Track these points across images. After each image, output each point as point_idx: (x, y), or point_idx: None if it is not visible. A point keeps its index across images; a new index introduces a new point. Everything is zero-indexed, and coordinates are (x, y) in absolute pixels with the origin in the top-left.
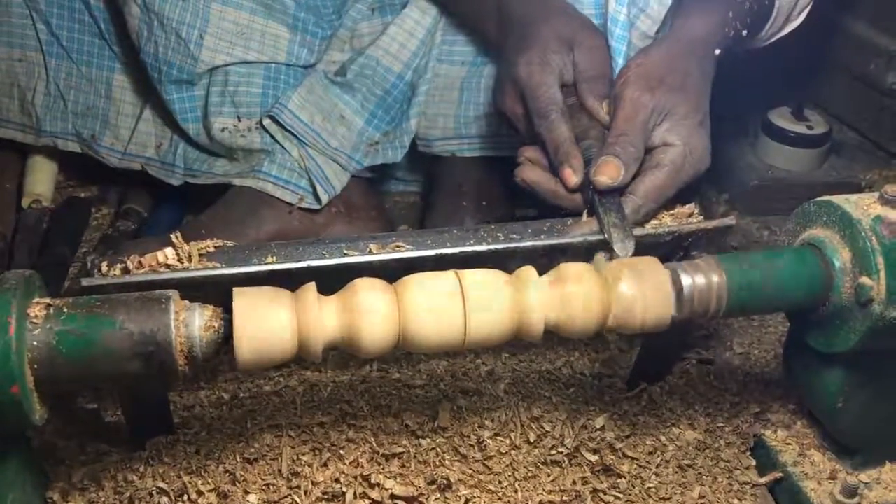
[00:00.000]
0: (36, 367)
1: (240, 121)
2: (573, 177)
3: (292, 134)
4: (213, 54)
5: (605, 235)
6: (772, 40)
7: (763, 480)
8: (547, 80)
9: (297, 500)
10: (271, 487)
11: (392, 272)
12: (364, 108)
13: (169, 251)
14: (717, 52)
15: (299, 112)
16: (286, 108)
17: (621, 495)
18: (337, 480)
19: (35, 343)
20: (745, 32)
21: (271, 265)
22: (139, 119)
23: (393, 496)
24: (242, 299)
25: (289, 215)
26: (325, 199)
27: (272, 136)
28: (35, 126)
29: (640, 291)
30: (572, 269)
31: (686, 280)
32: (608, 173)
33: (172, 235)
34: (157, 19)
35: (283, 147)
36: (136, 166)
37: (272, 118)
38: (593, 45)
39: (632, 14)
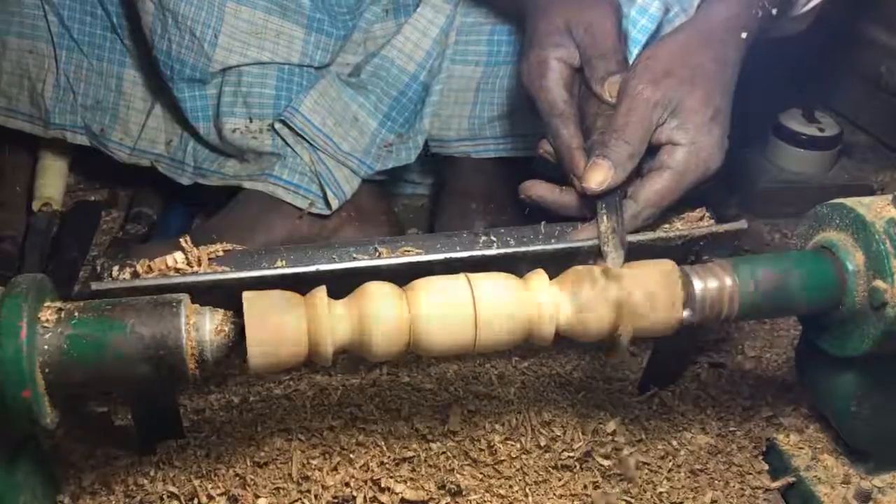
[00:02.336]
0: (47, 370)
1: (251, 122)
2: (580, 185)
3: (303, 138)
4: (228, 54)
5: (600, 243)
6: (806, 9)
7: (776, 485)
8: (545, 84)
9: (308, 503)
10: (281, 491)
11: (402, 276)
12: (378, 110)
13: (178, 255)
14: (744, 35)
15: (311, 116)
16: (298, 112)
17: (633, 500)
18: (347, 484)
19: (46, 347)
20: (774, 11)
21: (281, 269)
22: (149, 115)
23: (403, 500)
24: (253, 303)
25: (298, 220)
26: (335, 204)
27: (283, 140)
28: (44, 118)
29: (652, 295)
30: (583, 273)
31: (698, 284)
32: (596, 179)
33: (182, 240)
34: (172, 17)
35: (294, 151)
36: (146, 163)
37: (284, 122)
38: (590, 21)
39: (672, 13)
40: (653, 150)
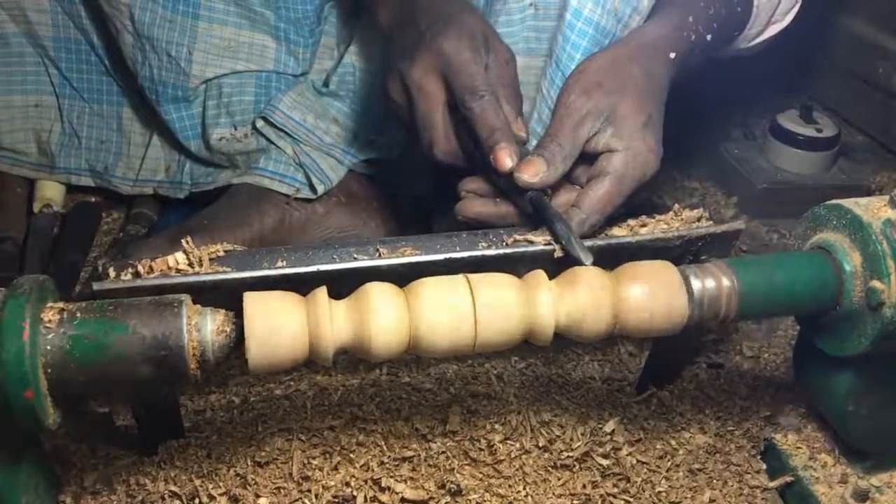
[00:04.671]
0: (49, 371)
1: (236, 129)
2: (508, 160)
3: (286, 133)
4: (203, 68)
5: (563, 243)
6: (756, 41)
7: (774, 484)
8: (477, 59)
9: (308, 503)
10: (282, 491)
11: (402, 276)
12: (354, 112)
13: (179, 255)
14: (673, 55)
15: (291, 112)
16: (278, 109)
17: (632, 499)
18: (347, 484)
19: (48, 347)
20: (709, 37)
21: (281, 269)
22: (148, 147)
23: (403, 500)
24: (254, 303)
25: (288, 206)
26: (320, 189)
27: (266, 138)
28: (50, 164)
29: (650, 295)
30: (583, 273)
31: (696, 284)
32: (529, 171)
33: (183, 240)
34: (149, 43)
35: (277, 146)
36: (149, 191)
37: (265, 119)
38: (507, 57)
39: (628, 13)
40: (591, 158)
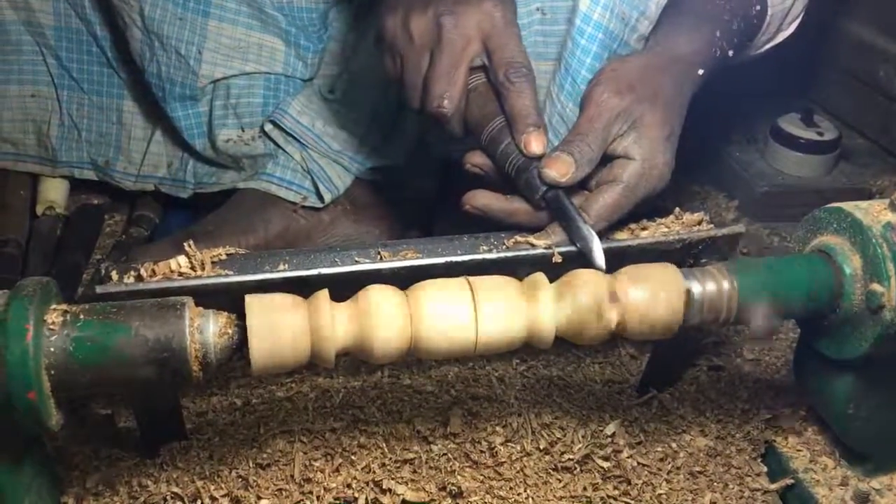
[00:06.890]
0: (52, 373)
1: (244, 131)
2: (538, 146)
3: (294, 138)
4: (213, 68)
5: (581, 245)
6: (762, 50)
7: (774, 487)
8: (517, 34)
9: None
10: (284, 493)
11: (403, 279)
12: (361, 119)
13: (182, 259)
14: (701, 72)
15: (300, 117)
16: (287, 113)
17: (632, 502)
18: (349, 486)
19: (52, 349)
20: (731, 53)
21: (283, 272)
22: (150, 142)
23: (404, 502)
24: (255, 306)
25: (294, 213)
26: (327, 197)
27: (274, 142)
28: (52, 157)
29: (651, 298)
30: (583, 276)
31: (697, 287)
32: (558, 169)
33: (185, 244)
34: (158, 39)
35: (285, 151)
36: (150, 187)
37: (274, 123)
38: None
39: (635, 17)
40: (606, 160)
